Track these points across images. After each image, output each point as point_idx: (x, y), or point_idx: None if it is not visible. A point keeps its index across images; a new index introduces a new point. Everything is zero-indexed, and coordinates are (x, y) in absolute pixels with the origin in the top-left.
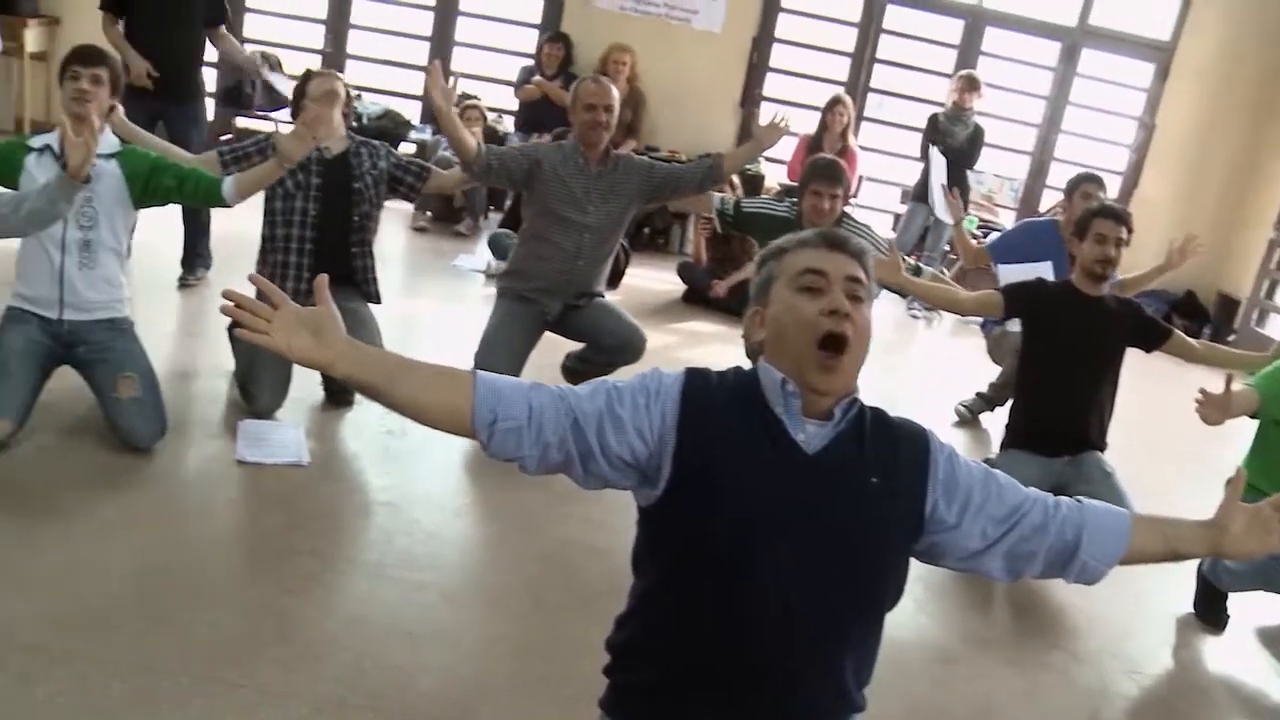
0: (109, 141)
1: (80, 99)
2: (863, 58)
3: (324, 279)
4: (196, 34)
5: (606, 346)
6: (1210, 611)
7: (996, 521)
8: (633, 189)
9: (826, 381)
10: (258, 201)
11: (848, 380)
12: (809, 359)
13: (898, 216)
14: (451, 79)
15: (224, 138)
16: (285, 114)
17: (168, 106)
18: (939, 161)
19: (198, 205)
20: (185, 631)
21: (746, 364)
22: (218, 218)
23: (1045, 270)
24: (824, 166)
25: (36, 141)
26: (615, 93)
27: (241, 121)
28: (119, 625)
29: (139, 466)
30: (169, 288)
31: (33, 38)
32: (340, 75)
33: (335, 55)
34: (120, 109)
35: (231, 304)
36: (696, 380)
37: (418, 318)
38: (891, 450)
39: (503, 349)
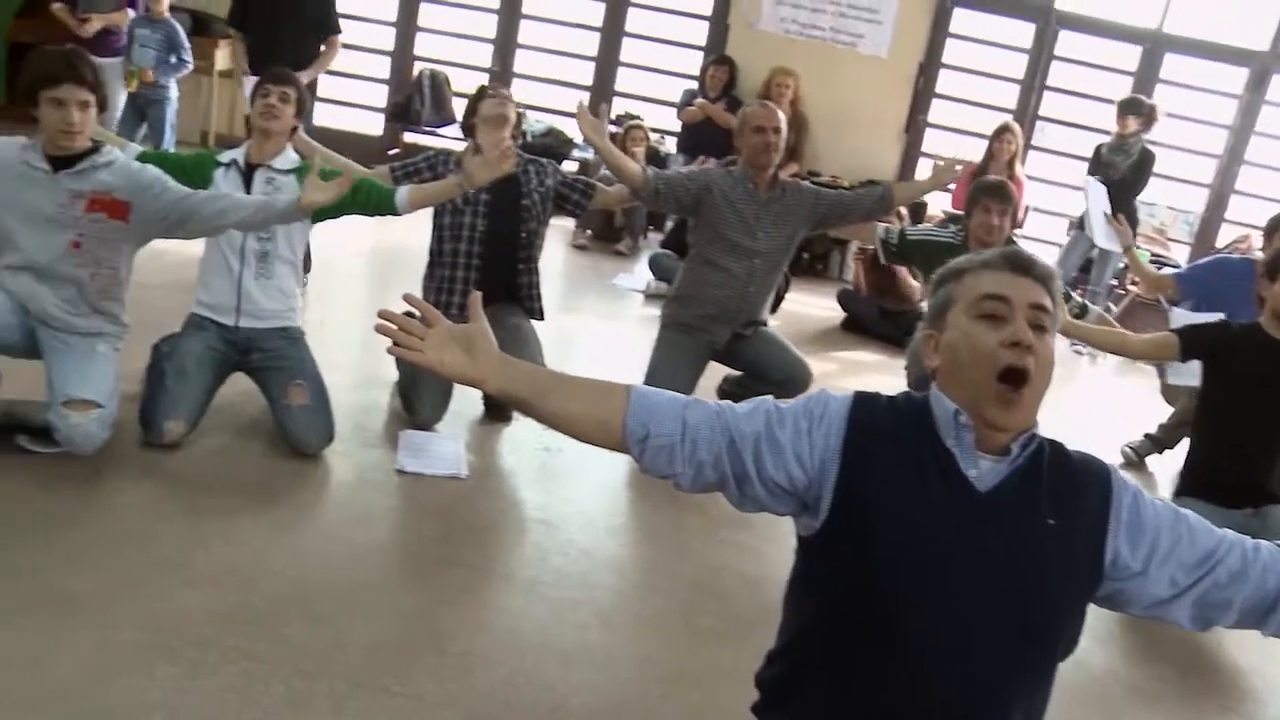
0: (289, 158)
1: (268, 114)
2: (1033, 85)
3: (478, 296)
4: (307, 46)
5: (772, 380)
6: None
7: (1188, 568)
8: (801, 215)
9: (1004, 417)
10: (415, 216)
11: (1027, 415)
12: (986, 392)
13: None
14: (602, 106)
15: (391, 152)
16: (453, 130)
17: None
18: (1097, 189)
19: (369, 215)
20: (343, 635)
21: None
22: (380, 229)
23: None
24: (993, 184)
25: (225, 156)
26: (783, 116)
27: (409, 136)
28: (280, 625)
29: (304, 471)
30: (325, 296)
31: (222, 57)
32: (511, 98)
33: (502, 73)
34: (302, 134)
35: (387, 323)
36: (864, 405)
37: (575, 334)
38: (1070, 489)
39: (668, 383)
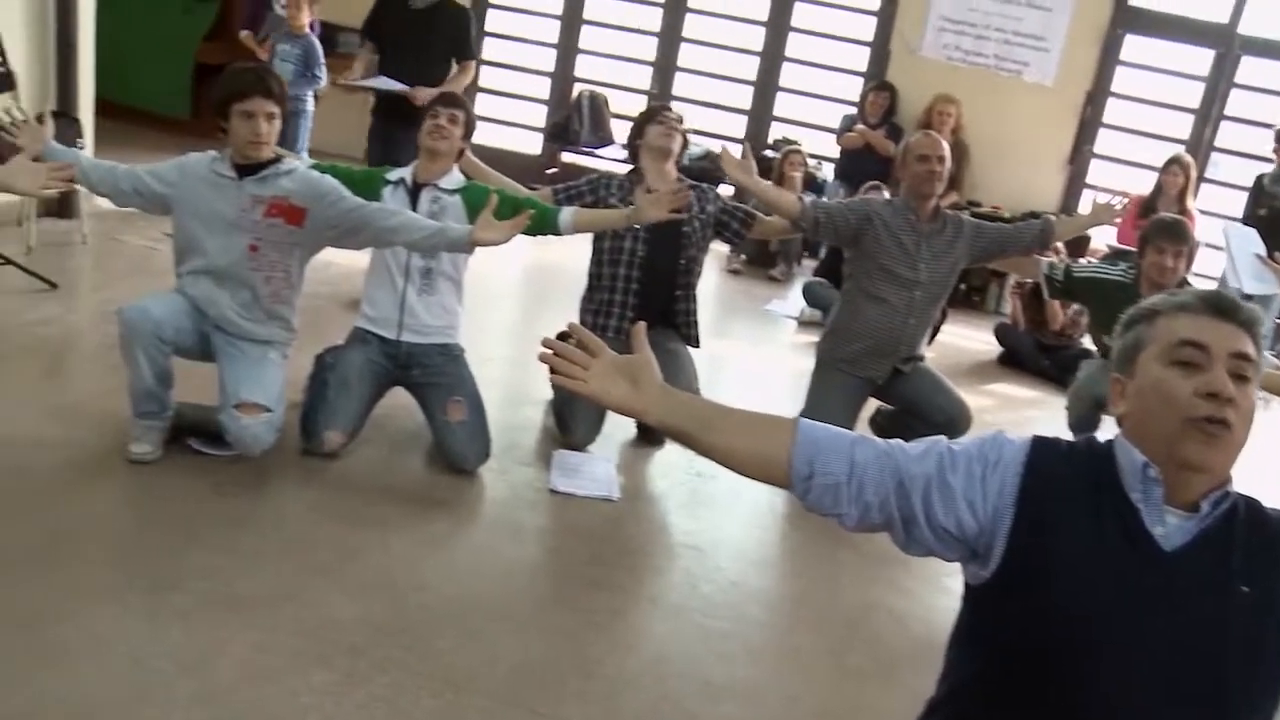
0: (455, 178)
1: (436, 134)
2: (1209, 114)
3: (642, 327)
4: (436, 68)
5: (932, 421)
6: None
7: None
8: (963, 248)
9: (1204, 454)
10: (572, 238)
11: (1225, 464)
12: (1183, 432)
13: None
14: (746, 145)
15: (549, 171)
16: (611, 151)
17: (405, 130)
18: (1239, 232)
19: (531, 235)
20: (492, 652)
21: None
22: (534, 249)
23: None
24: (1169, 223)
25: (393, 174)
26: (946, 145)
27: (567, 156)
28: (431, 639)
29: (459, 487)
30: (478, 313)
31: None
32: (679, 124)
33: (661, 96)
34: (470, 154)
35: (550, 352)
36: (1043, 451)
37: (727, 359)
38: (1269, 553)
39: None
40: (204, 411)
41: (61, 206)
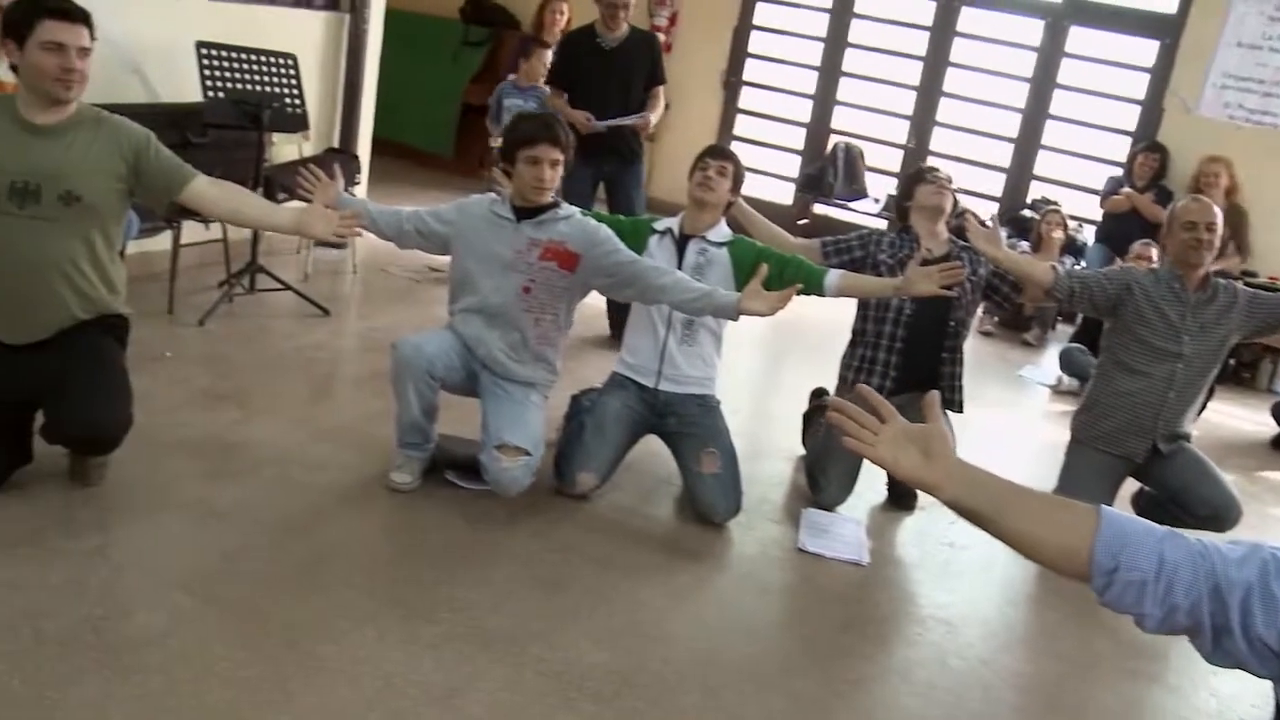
0: (722, 231)
1: (705, 186)
2: None
3: (935, 396)
4: (636, 97)
5: (1195, 514)
6: None
7: None
8: (1235, 320)
9: None
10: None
11: None
12: None
13: None
14: (992, 215)
15: (800, 222)
16: (864, 204)
17: (613, 169)
18: None
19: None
20: (735, 713)
21: None
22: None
23: None
24: None
25: (660, 224)
26: (1218, 212)
27: (819, 208)
28: (676, 694)
29: (707, 539)
30: (726, 362)
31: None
32: (950, 184)
33: (917, 151)
34: (741, 201)
35: (840, 415)
36: None
37: (975, 424)
38: None
39: None
40: (463, 445)
41: None
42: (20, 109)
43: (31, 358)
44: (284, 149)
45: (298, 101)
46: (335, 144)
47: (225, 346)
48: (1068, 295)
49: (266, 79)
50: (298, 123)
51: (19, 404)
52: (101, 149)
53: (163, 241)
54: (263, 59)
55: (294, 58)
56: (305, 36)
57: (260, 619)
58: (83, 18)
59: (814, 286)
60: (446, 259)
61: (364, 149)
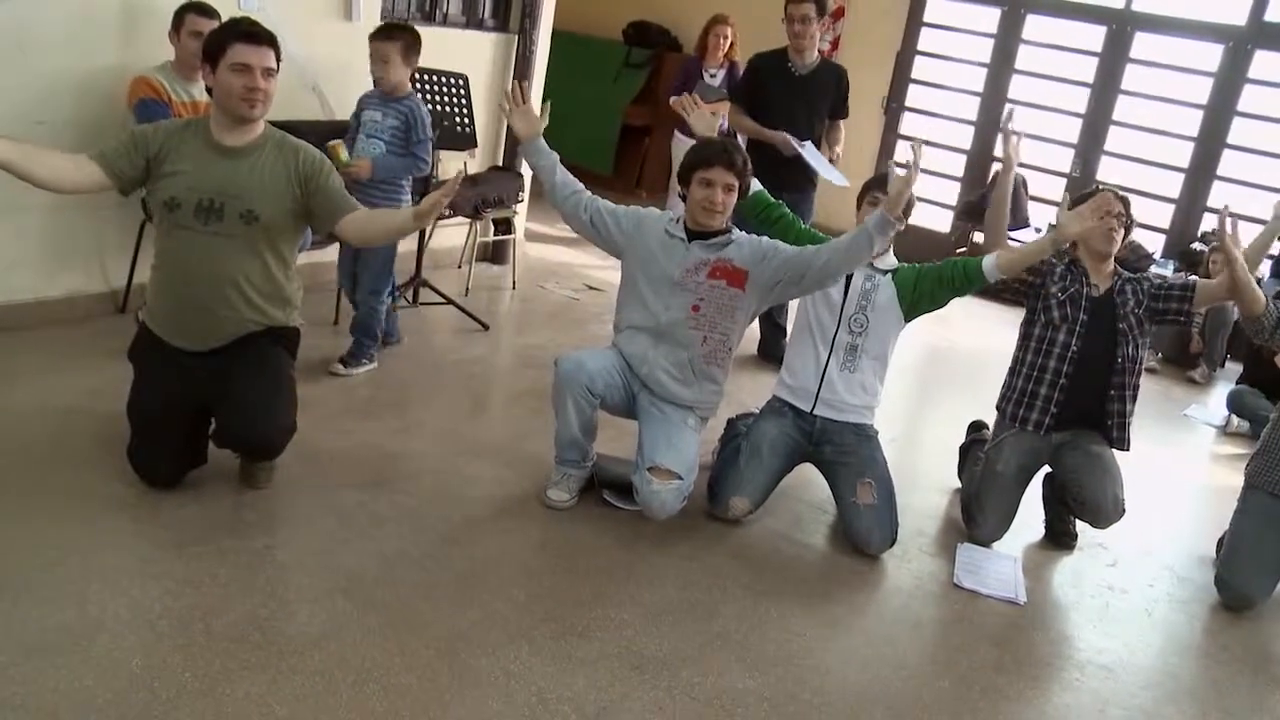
0: (889, 260)
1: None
2: None
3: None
4: (820, 128)
5: None
6: None
7: None
8: None
9: None
10: (982, 321)
11: None
12: None
13: None
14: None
15: (959, 251)
16: (1025, 234)
17: (792, 196)
18: None
19: (962, 293)
20: None
21: None
22: (933, 326)
23: None
24: None
25: None
26: None
27: (979, 236)
28: None
29: (861, 569)
30: (893, 395)
31: None
32: (1122, 219)
33: (1083, 180)
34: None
35: None
36: None
37: (1136, 462)
38: None
39: (1254, 560)
40: (621, 466)
41: (495, 253)
42: (212, 131)
43: (205, 365)
44: (450, 165)
45: (467, 119)
46: (499, 162)
47: (388, 358)
48: (1273, 326)
49: (438, 97)
50: (466, 140)
51: (194, 409)
52: (279, 171)
53: (330, 253)
54: (436, 78)
55: (465, 77)
56: (476, 56)
57: (417, 627)
58: (269, 40)
59: (976, 277)
60: (603, 277)
61: (526, 167)
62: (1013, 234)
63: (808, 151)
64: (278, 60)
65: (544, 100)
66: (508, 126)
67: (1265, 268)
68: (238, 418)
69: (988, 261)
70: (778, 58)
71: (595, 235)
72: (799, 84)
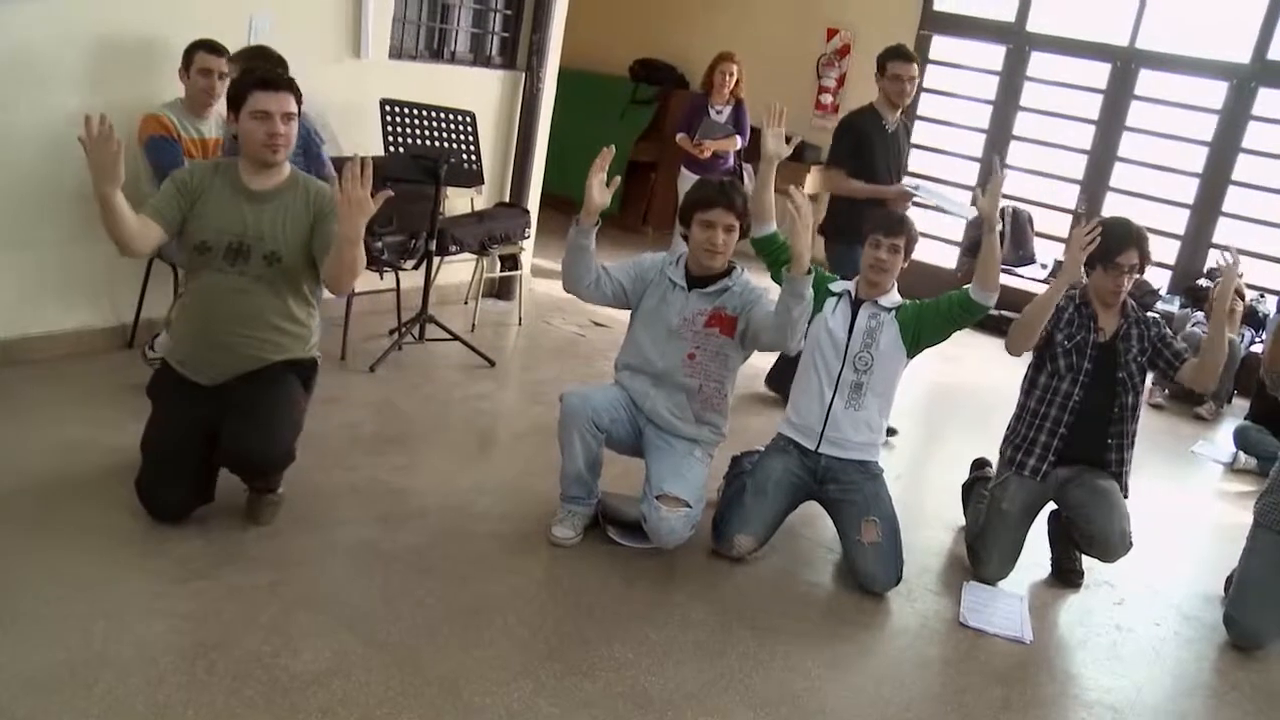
0: (893, 298)
1: (878, 268)
2: None
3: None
4: (898, 180)
5: None
6: None
7: None
8: None
9: None
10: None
11: None
12: None
13: None
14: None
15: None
16: (1031, 270)
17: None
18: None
19: (961, 325)
20: None
21: None
22: (940, 366)
23: None
24: None
25: (837, 287)
26: None
27: None
28: None
29: (866, 608)
30: (897, 433)
31: (810, 181)
32: (1139, 250)
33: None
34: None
35: None
36: None
37: (1143, 499)
38: None
39: (1267, 598)
40: (626, 503)
41: (502, 289)
42: (241, 175)
43: (220, 393)
44: (457, 202)
45: (474, 157)
46: (506, 198)
47: (394, 393)
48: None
49: (446, 135)
50: (473, 178)
51: (206, 438)
52: (299, 210)
53: None
54: (443, 115)
55: (472, 115)
56: (483, 94)
57: (421, 665)
58: (288, 86)
59: (971, 306)
60: (609, 313)
61: (534, 203)
62: (1017, 269)
63: (924, 193)
64: (298, 103)
65: (609, 176)
66: (515, 163)
67: (1271, 304)
68: (236, 427)
69: (971, 288)
70: (871, 115)
71: (624, 298)
72: (890, 140)
